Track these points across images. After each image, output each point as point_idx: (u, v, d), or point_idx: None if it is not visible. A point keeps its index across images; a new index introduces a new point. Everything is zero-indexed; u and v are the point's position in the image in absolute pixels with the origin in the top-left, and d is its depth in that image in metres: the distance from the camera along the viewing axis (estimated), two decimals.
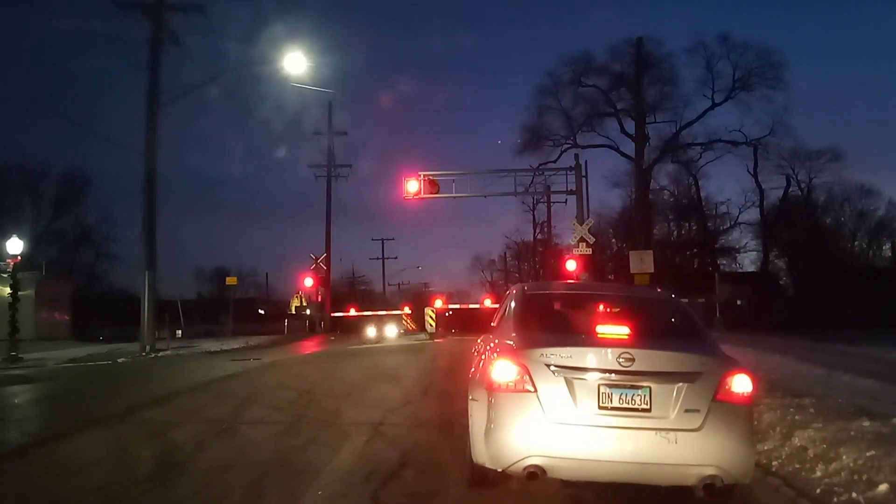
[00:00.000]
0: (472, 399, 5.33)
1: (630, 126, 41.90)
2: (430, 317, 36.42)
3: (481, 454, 4.97)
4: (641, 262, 24.33)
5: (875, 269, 48.56)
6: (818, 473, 5.80)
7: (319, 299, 41.12)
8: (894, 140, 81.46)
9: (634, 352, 4.70)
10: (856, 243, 51.20)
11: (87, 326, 34.38)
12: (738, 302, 37.48)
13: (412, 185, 28.17)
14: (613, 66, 42.41)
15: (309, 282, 38.30)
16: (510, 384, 4.81)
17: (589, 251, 24.26)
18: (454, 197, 29.87)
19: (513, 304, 5.98)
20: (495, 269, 74.23)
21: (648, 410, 4.67)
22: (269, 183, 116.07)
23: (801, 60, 75.93)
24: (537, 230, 55.58)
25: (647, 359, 4.73)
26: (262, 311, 58.42)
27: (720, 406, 4.68)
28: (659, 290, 8.09)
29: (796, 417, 7.57)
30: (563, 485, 5.29)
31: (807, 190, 46.23)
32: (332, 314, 41.44)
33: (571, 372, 4.73)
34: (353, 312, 40.47)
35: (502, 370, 4.86)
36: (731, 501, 4.97)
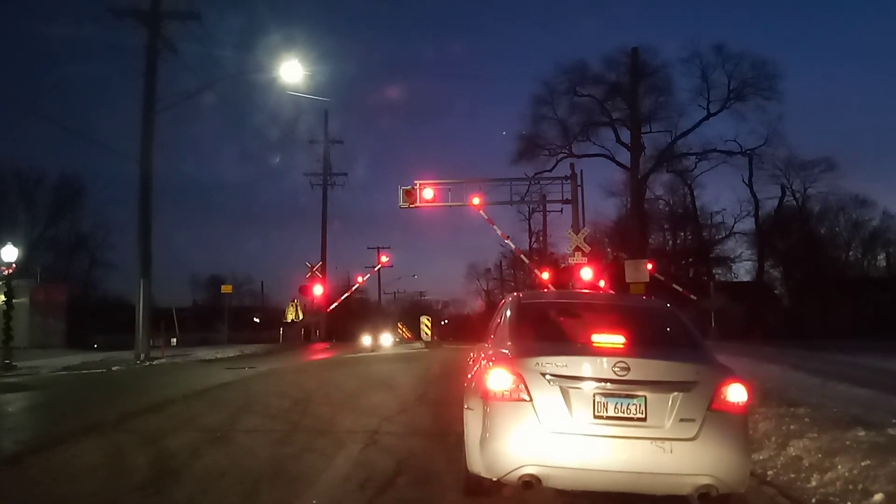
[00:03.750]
0: (468, 408, 5.33)
1: (625, 135, 42.19)
2: (426, 325, 36.45)
3: (476, 463, 4.97)
4: (637, 272, 24.39)
5: (870, 278, 48.70)
6: (813, 483, 5.81)
7: (315, 307, 41.05)
8: (889, 150, 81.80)
9: (630, 361, 4.71)
10: (850, 253, 51.37)
11: (82, 334, 34.25)
12: (723, 306, 37.22)
13: (408, 194, 28.22)
14: (609, 76, 42.77)
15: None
16: (505, 393, 4.81)
17: (584, 260, 24.28)
18: (450, 206, 29.94)
19: (508, 313, 5.99)
20: (491, 278, 74.18)
21: (644, 420, 4.67)
22: (266, 190, 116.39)
23: (795, 70, 76.39)
24: (533, 239, 55.65)
25: (642, 368, 4.73)
26: (257, 320, 58.36)
27: (715, 415, 4.69)
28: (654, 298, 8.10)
29: (791, 427, 7.57)
30: (559, 494, 5.29)
31: (801, 200, 46.51)
32: (328, 309, 41.64)
33: (567, 381, 4.74)
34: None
35: (498, 379, 4.87)
36: None
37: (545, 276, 24.89)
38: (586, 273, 23.76)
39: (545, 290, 26.14)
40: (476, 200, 28.70)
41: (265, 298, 66.20)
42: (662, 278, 33.06)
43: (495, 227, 31.26)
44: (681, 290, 33.08)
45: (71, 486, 6.00)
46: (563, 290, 21.73)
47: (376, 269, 47.31)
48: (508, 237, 34.20)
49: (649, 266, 28.85)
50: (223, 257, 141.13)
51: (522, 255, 40.62)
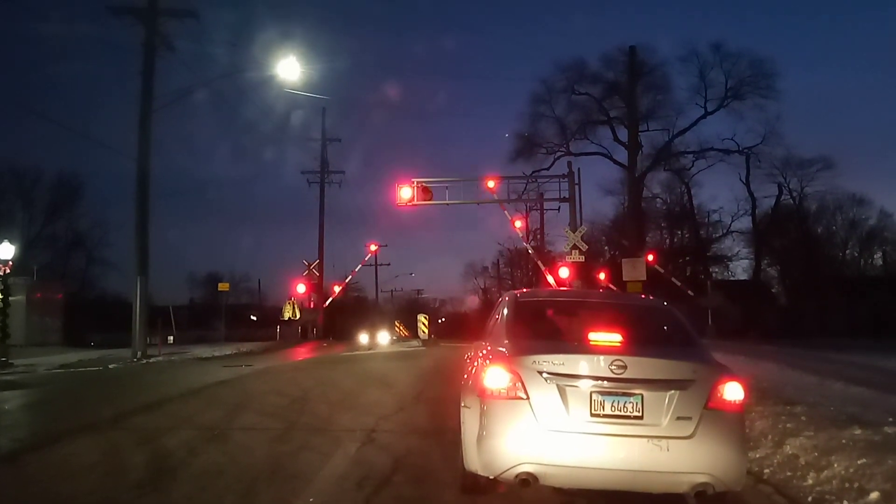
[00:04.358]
0: (465, 406, 5.34)
1: (623, 134, 42.28)
2: (423, 323, 36.45)
3: (473, 461, 4.98)
4: (634, 270, 24.43)
5: (866, 277, 48.72)
6: (810, 481, 5.82)
7: (312, 305, 41.04)
8: (885, 149, 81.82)
9: (626, 359, 4.72)
10: (847, 252, 51.41)
11: (79, 332, 34.18)
12: (720, 304, 37.30)
13: (405, 192, 28.20)
14: (607, 74, 42.85)
15: (301, 288, 38.25)
16: (502, 391, 4.81)
17: (582, 258, 24.31)
18: (447, 204, 29.93)
19: (505, 311, 5.99)
20: (488, 276, 74.18)
21: (640, 418, 4.68)
22: (263, 188, 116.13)
23: (793, 68, 76.41)
24: (530, 237, 55.63)
25: (639, 366, 4.74)
26: (254, 318, 58.30)
27: (712, 414, 4.70)
28: (651, 297, 8.10)
29: (788, 425, 7.59)
30: (555, 492, 5.29)
31: (798, 198, 46.58)
32: (325, 305, 41.56)
33: (564, 379, 4.74)
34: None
35: (495, 377, 4.87)
36: None
37: (563, 272, 24.92)
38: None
39: (549, 284, 26.19)
40: (491, 184, 28.79)
41: (263, 296, 66.36)
42: (662, 270, 33.14)
43: (506, 212, 31.38)
44: (679, 283, 33.17)
45: (68, 484, 5.98)
46: (561, 288, 21.78)
47: (366, 258, 46.96)
48: (518, 225, 34.28)
49: (650, 257, 28.92)
50: (221, 255, 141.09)
51: (529, 246, 40.45)
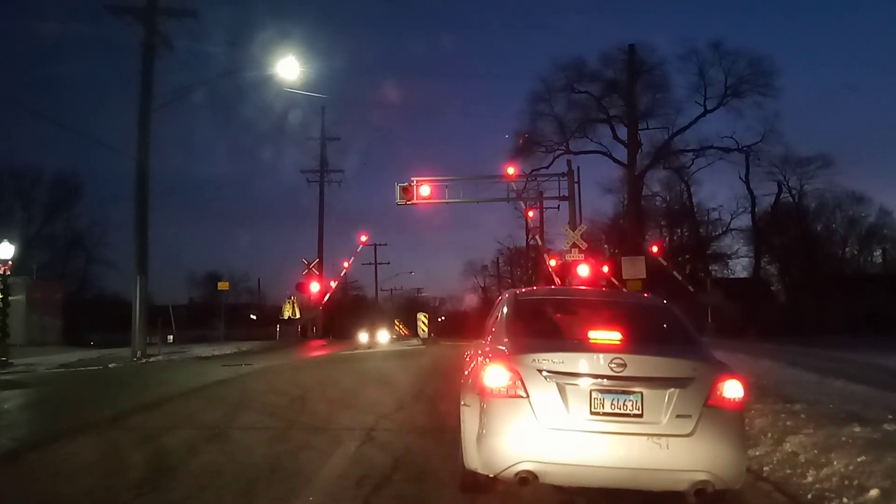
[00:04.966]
0: (465, 404, 5.34)
1: (622, 132, 42.27)
2: (423, 322, 36.49)
3: (473, 459, 4.98)
4: (633, 268, 24.43)
5: (866, 275, 48.70)
6: (809, 479, 5.82)
7: (312, 304, 40.98)
8: (885, 147, 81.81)
9: (626, 357, 4.72)
10: (847, 249, 51.34)
11: (79, 331, 34.19)
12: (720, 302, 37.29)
13: (405, 191, 28.21)
14: (606, 73, 42.84)
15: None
16: (502, 390, 4.81)
17: (581, 257, 24.27)
18: (447, 202, 29.94)
19: (505, 310, 5.98)
20: (488, 275, 74.17)
21: (640, 416, 4.68)
22: (263, 188, 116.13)
23: (792, 66, 76.30)
24: (529, 236, 55.59)
25: (638, 364, 4.74)
26: (254, 317, 58.32)
27: (712, 411, 4.70)
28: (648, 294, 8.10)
29: (788, 423, 7.58)
30: (555, 490, 5.29)
31: (798, 196, 46.43)
32: (324, 301, 41.45)
33: (563, 377, 4.74)
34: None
35: (494, 375, 4.87)
36: None
37: (553, 262, 24.98)
38: (583, 270, 23.77)
39: (554, 281, 26.13)
40: (511, 170, 28.75)
41: (262, 296, 66.35)
42: (665, 263, 33.13)
43: (522, 202, 31.33)
44: (680, 278, 33.19)
45: (68, 484, 5.99)
46: (560, 286, 21.76)
47: (359, 250, 46.72)
48: (531, 214, 34.26)
49: (654, 248, 28.89)
50: (220, 254, 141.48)
51: (537, 237, 40.32)
